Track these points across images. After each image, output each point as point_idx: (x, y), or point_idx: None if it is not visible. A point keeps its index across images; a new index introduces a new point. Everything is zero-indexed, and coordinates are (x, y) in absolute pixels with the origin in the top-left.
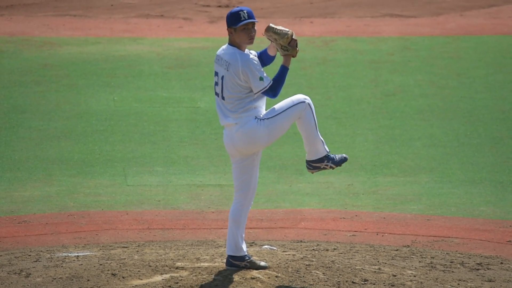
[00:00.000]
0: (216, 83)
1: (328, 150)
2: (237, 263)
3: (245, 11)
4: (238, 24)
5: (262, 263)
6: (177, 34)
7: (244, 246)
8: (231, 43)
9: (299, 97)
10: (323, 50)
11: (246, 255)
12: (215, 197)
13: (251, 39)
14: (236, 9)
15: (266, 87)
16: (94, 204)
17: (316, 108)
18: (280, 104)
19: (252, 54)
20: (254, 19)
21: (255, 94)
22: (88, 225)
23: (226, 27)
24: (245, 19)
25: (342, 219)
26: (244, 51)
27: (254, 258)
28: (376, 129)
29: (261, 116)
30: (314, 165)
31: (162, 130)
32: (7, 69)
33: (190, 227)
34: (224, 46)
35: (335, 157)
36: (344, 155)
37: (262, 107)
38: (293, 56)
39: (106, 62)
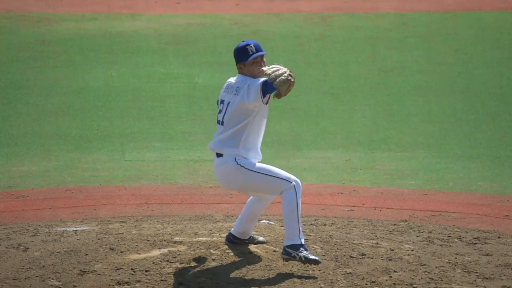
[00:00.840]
0: (220, 111)
1: (302, 242)
2: (237, 241)
3: (252, 45)
4: (248, 59)
5: (261, 238)
6: (175, 10)
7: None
8: (243, 74)
9: (290, 176)
10: (320, 27)
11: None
12: (213, 172)
13: (262, 72)
14: (242, 44)
15: (262, 82)
16: (92, 179)
17: (314, 84)
18: (269, 167)
19: None
20: (262, 51)
21: (253, 102)
22: (86, 200)
23: (235, 63)
24: (253, 53)
25: (339, 194)
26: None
27: (253, 233)
28: (373, 105)
29: (242, 160)
30: (287, 250)
31: (160, 106)
32: (4, 45)
33: (188, 202)
34: (235, 77)
35: (309, 254)
36: (318, 258)
37: (252, 150)
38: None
39: (104, 38)
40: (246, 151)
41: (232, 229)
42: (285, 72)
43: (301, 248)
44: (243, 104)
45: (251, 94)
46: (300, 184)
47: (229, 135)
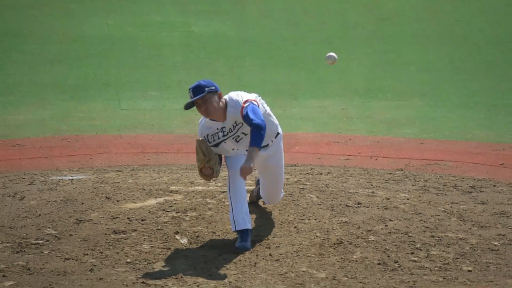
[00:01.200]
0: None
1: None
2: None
3: (189, 90)
4: (185, 109)
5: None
6: None
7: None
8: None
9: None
10: None
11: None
12: None
13: (203, 112)
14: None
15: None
16: (88, 128)
17: (311, 33)
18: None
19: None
20: (193, 97)
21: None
22: (82, 148)
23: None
24: (185, 104)
25: (336, 143)
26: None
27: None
28: (370, 53)
29: None
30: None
31: (156, 54)
32: None
33: (184, 151)
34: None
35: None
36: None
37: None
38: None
39: None
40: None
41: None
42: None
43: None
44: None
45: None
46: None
47: None
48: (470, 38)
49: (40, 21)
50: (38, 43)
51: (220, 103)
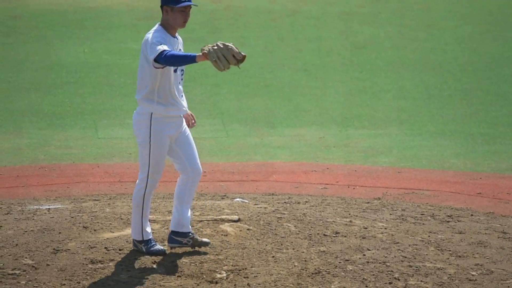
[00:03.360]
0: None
1: (144, 239)
2: (179, 239)
3: None
4: (178, 5)
5: (205, 240)
6: None
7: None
8: (163, 24)
9: (155, 172)
10: (293, 1)
11: (190, 231)
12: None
13: (185, 22)
14: None
15: (158, 52)
16: (65, 157)
17: (286, 61)
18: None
19: (180, 41)
20: (192, 2)
21: (152, 63)
22: (59, 177)
23: (161, 5)
24: (185, 1)
25: (313, 172)
26: (174, 36)
27: (196, 235)
28: (346, 81)
29: (156, 115)
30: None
31: (133, 82)
32: None
33: (161, 180)
34: (154, 29)
35: (153, 246)
36: (162, 248)
37: (165, 106)
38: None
39: (75, 14)
40: (158, 106)
41: (170, 226)
42: (221, 50)
43: (143, 244)
44: (145, 57)
45: (147, 50)
46: (155, 185)
47: (139, 87)
48: (446, 66)
49: (16, 49)
50: (14, 71)
51: None
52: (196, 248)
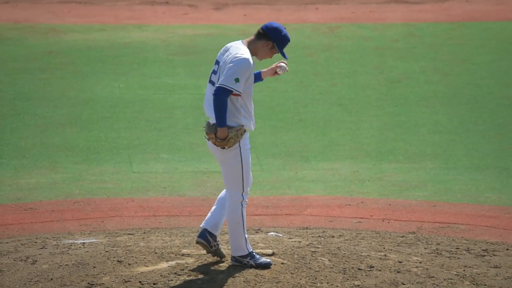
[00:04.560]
0: (214, 72)
1: (250, 250)
2: (210, 239)
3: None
4: (280, 52)
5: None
6: (182, 21)
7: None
8: (250, 48)
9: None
10: (328, 37)
11: (216, 238)
12: (221, 183)
13: (268, 58)
14: (286, 31)
15: (227, 87)
16: (100, 191)
17: (321, 95)
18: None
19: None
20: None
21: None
22: (94, 212)
23: (265, 33)
24: (284, 46)
25: (347, 206)
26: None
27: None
28: (381, 115)
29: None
30: (237, 258)
31: (168, 117)
32: (11, 57)
33: (196, 214)
34: (237, 42)
35: (259, 258)
36: (269, 261)
37: (248, 118)
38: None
39: (111, 49)
40: (244, 119)
41: (203, 223)
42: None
43: (249, 258)
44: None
45: (224, 73)
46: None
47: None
48: (480, 101)
49: (52, 84)
50: (50, 106)
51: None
52: (231, 282)
